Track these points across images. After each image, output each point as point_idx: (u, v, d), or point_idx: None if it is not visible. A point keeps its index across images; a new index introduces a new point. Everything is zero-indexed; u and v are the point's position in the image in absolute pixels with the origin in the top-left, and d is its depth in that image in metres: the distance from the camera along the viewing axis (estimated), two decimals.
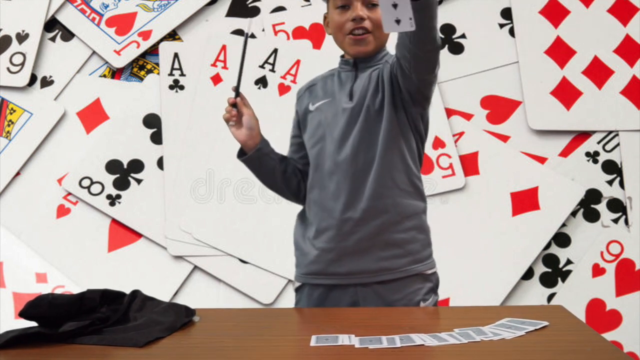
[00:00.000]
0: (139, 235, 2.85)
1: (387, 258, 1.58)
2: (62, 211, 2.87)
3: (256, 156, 1.67)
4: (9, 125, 2.90)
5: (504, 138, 2.86)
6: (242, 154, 1.69)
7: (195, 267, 2.82)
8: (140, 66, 2.95)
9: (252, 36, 2.91)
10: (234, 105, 1.63)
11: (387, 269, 1.58)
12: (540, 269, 2.79)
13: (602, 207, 2.82)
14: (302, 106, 1.71)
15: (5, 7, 2.95)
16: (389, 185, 1.58)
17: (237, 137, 1.65)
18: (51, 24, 2.98)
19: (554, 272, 2.79)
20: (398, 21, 1.24)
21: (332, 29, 1.64)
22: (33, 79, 2.93)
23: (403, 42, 1.47)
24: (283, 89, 2.86)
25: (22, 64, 2.91)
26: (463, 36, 2.92)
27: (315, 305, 1.63)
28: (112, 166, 2.88)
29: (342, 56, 1.70)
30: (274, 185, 1.75)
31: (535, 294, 2.77)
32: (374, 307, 1.58)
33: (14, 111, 2.91)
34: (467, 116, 2.87)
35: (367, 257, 1.58)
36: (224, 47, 2.90)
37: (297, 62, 2.87)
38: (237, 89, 1.63)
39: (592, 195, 2.82)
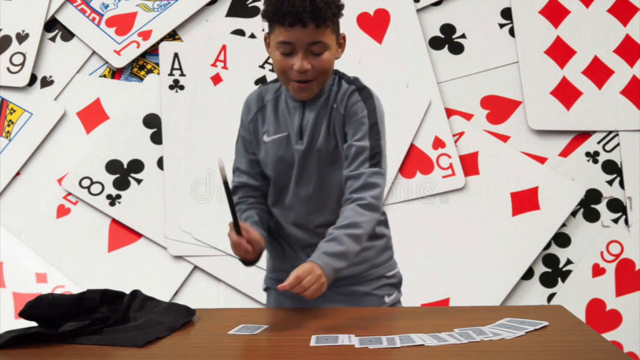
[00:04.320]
0: (139, 235, 2.85)
1: (346, 267, 1.55)
2: (62, 211, 2.87)
3: (261, 254, 1.63)
4: (9, 125, 2.90)
5: (504, 138, 2.86)
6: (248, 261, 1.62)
7: (195, 267, 2.82)
8: (140, 66, 2.95)
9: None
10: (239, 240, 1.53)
11: (346, 276, 1.61)
12: (540, 269, 2.80)
13: (602, 207, 2.82)
14: (256, 131, 1.66)
15: (5, 7, 2.95)
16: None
17: (252, 261, 1.58)
18: (51, 24, 2.98)
19: (554, 272, 2.79)
20: None
21: (276, 69, 1.56)
22: (33, 79, 2.93)
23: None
24: None
25: (22, 64, 2.91)
26: (463, 36, 2.92)
27: (284, 303, 1.65)
28: (112, 166, 2.88)
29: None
30: None
31: (535, 294, 2.77)
32: (342, 300, 1.62)
33: (14, 111, 2.91)
34: (467, 116, 2.87)
35: None
36: (224, 47, 2.90)
37: None
38: (236, 225, 1.49)
39: (592, 195, 2.82)
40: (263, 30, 2.94)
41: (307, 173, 1.60)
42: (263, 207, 1.70)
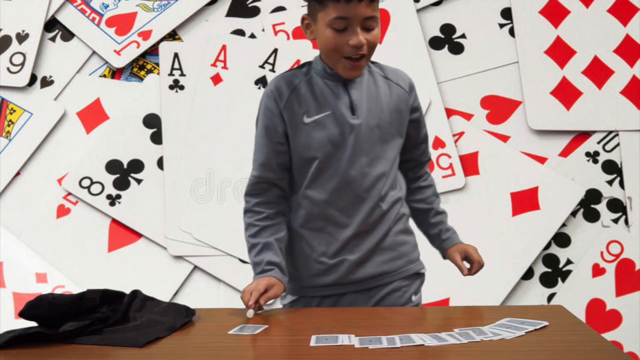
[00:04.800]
0: (139, 235, 2.85)
1: (386, 262, 1.61)
2: (62, 211, 2.87)
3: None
4: (9, 125, 2.90)
5: (504, 138, 2.86)
6: None
7: (195, 267, 2.82)
8: (140, 66, 2.95)
9: None
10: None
11: (386, 272, 1.61)
12: (540, 269, 2.79)
13: (602, 207, 2.82)
14: (292, 114, 1.57)
15: (5, 7, 2.95)
16: (389, 199, 1.61)
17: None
18: (51, 24, 2.98)
19: (554, 272, 2.79)
20: None
21: (327, 47, 1.53)
22: (33, 79, 2.93)
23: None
24: None
25: (22, 64, 2.91)
26: (463, 36, 2.92)
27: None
28: (112, 166, 2.88)
29: (321, 58, 1.59)
30: None
31: (535, 294, 2.77)
32: (365, 300, 1.61)
33: (14, 111, 2.91)
34: (467, 116, 2.87)
35: (369, 265, 1.59)
36: (224, 47, 2.90)
37: (297, 62, 2.87)
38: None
39: (592, 195, 2.82)
40: (263, 30, 2.94)
41: (361, 149, 1.56)
42: (280, 218, 1.63)
